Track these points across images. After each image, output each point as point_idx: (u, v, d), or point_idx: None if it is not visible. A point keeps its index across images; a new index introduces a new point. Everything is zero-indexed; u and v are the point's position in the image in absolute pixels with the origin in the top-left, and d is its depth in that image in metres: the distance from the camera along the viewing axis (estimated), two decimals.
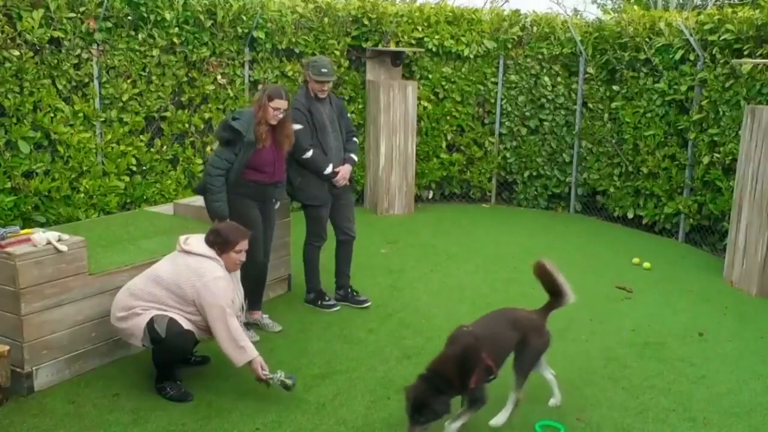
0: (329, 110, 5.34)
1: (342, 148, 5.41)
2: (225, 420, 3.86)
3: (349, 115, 5.62)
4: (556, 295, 4.05)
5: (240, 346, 3.94)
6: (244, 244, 4.19)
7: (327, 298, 5.57)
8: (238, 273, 4.37)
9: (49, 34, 6.48)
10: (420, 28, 9.03)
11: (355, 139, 5.58)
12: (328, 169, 5.25)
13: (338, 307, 5.53)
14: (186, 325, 4.01)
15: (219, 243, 4.13)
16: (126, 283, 4.19)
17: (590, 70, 8.80)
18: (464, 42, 9.16)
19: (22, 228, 4.60)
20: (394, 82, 8.77)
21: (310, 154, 5.19)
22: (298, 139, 5.08)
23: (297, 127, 5.11)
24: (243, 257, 4.22)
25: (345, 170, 5.36)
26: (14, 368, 3.98)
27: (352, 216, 5.61)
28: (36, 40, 6.40)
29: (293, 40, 8.31)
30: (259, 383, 4.04)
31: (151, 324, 3.95)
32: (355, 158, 5.50)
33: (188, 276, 3.99)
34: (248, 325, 4.97)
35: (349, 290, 5.67)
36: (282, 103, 4.72)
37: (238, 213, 4.75)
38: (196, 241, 4.15)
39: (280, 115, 4.75)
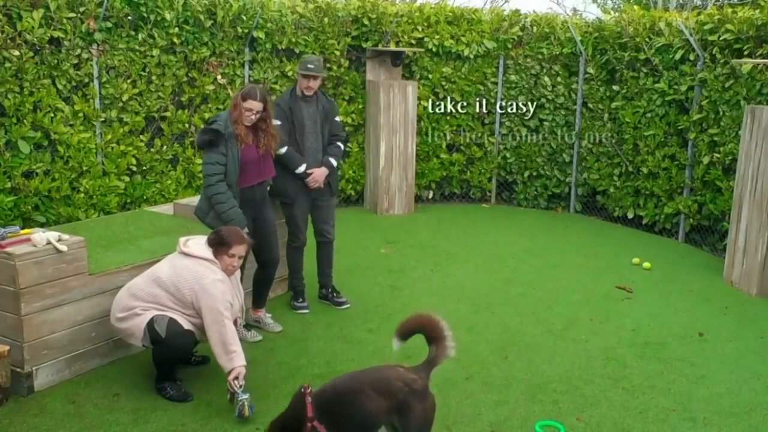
0: (313, 111, 5.28)
1: (321, 150, 5.33)
2: (225, 420, 3.86)
3: (339, 119, 5.47)
4: (437, 341, 3.39)
5: (230, 351, 3.89)
6: (239, 250, 4.15)
7: (300, 300, 5.54)
8: (238, 274, 4.37)
9: (49, 34, 6.49)
10: (420, 28, 9.03)
11: (339, 144, 5.44)
12: (300, 168, 5.22)
13: (306, 311, 5.48)
14: (186, 325, 4.01)
15: (216, 243, 4.12)
16: (126, 283, 4.19)
17: (590, 70, 8.80)
18: (464, 42, 9.16)
19: (22, 228, 4.60)
20: (394, 82, 8.77)
21: (283, 150, 5.15)
22: None
23: (275, 122, 5.10)
24: (236, 263, 4.16)
25: (318, 173, 5.26)
26: (14, 368, 3.98)
27: (331, 219, 5.56)
28: (36, 40, 6.41)
29: (293, 40, 8.31)
30: (226, 393, 3.93)
31: (151, 324, 3.95)
32: (334, 162, 5.36)
33: (187, 278, 3.99)
34: (249, 326, 4.98)
35: (331, 290, 5.67)
36: (255, 105, 4.53)
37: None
38: (196, 244, 4.15)
39: (253, 117, 4.56)
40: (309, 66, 5.15)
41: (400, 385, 3.19)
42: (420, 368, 3.35)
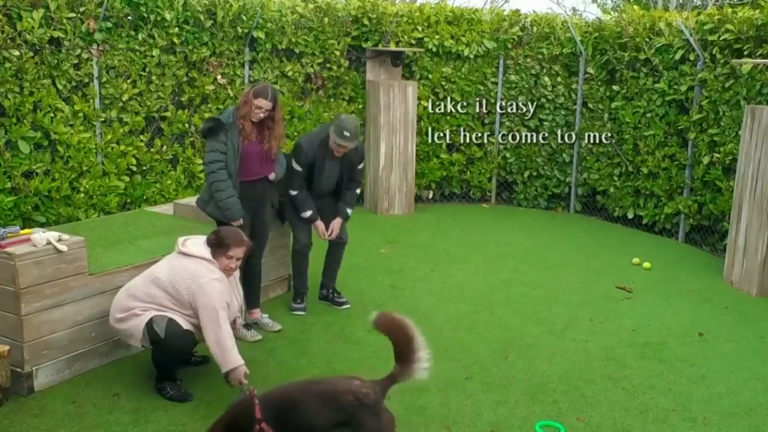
0: (337, 161, 5.27)
1: (333, 191, 5.40)
2: None
3: (362, 166, 5.47)
4: (405, 358, 3.22)
5: (228, 351, 3.89)
6: (237, 252, 4.14)
7: (298, 301, 5.54)
8: (237, 274, 4.36)
9: (49, 34, 6.48)
10: (420, 28, 9.03)
11: (357, 190, 5.53)
12: (306, 214, 5.30)
13: (302, 314, 5.47)
14: (185, 325, 4.00)
15: (215, 244, 4.12)
16: (126, 283, 4.19)
17: (590, 70, 8.80)
18: (464, 42, 9.15)
19: (22, 228, 4.60)
20: (394, 82, 8.77)
21: (295, 193, 5.26)
22: (291, 175, 5.18)
23: (296, 167, 5.18)
24: (234, 265, 4.16)
25: (335, 224, 5.38)
26: (14, 368, 3.98)
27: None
28: (36, 40, 6.40)
29: (293, 40, 8.31)
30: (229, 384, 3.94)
31: (150, 325, 3.95)
32: (349, 212, 5.46)
33: (184, 278, 3.98)
34: (248, 326, 4.97)
35: (332, 290, 5.68)
36: (265, 103, 4.62)
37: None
38: (194, 244, 4.14)
39: (261, 115, 4.64)
40: (345, 134, 5.03)
41: (349, 399, 3.10)
42: (379, 382, 3.23)
